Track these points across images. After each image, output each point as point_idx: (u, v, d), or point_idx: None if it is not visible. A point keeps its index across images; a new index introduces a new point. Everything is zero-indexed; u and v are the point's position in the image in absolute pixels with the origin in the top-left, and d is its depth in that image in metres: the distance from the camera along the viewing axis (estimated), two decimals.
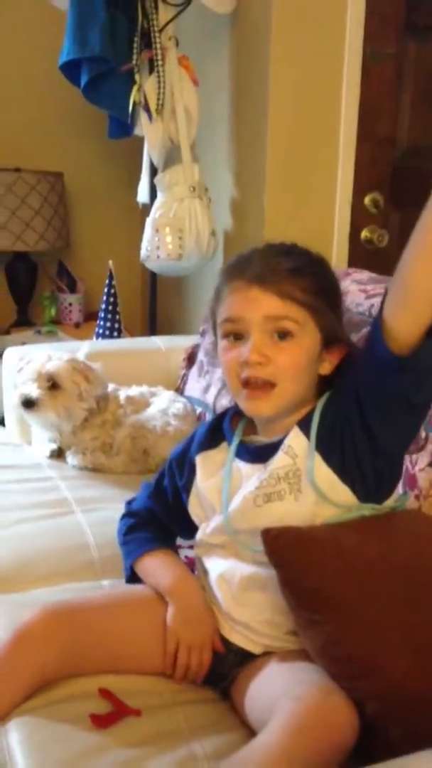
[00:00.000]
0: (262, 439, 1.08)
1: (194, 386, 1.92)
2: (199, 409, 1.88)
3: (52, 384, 1.75)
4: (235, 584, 1.05)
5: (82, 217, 3.00)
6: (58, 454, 1.84)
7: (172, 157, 2.36)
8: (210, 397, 1.84)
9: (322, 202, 2.34)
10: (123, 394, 1.88)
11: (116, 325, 2.22)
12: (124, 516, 1.25)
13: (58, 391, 1.75)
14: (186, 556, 1.23)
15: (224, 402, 1.32)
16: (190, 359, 2.00)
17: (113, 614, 1.09)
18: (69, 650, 1.03)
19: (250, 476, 1.05)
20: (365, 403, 0.98)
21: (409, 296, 0.92)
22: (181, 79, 2.26)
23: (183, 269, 2.36)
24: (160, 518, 1.20)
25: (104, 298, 2.32)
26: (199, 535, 1.12)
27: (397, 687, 0.86)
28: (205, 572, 1.11)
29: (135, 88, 2.25)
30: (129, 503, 1.27)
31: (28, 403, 1.71)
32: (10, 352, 2.01)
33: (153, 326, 2.59)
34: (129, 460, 1.78)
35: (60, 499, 1.58)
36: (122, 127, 2.39)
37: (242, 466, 1.08)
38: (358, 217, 2.34)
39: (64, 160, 2.89)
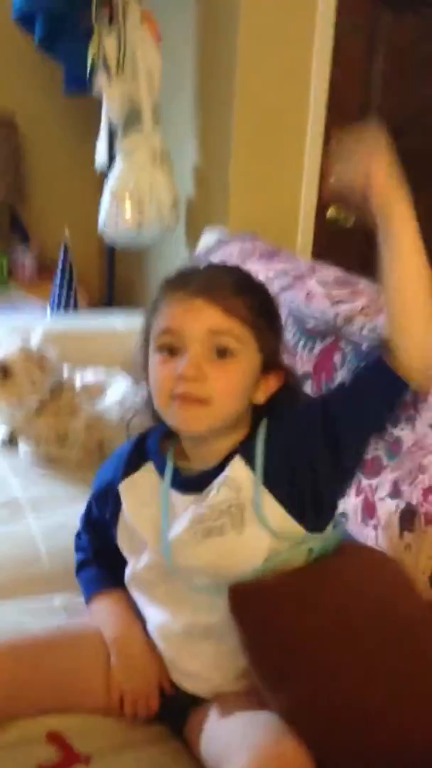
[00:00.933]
0: (194, 466, 1.03)
1: None
2: None
3: (4, 373, 1.68)
4: (175, 637, 1.02)
5: (37, 172, 2.86)
6: (11, 440, 1.78)
7: (132, 120, 2.24)
8: None
9: (289, 176, 2.27)
10: (78, 380, 1.82)
11: (72, 300, 2.14)
12: (76, 548, 1.21)
13: (10, 380, 1.68)
14: None
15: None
16: None
17: (59, 653, 1.05)
18: (15, 691, 1.00)
19: (184, 507, 1.01)
20: (344, 431, 0.96)
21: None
22: (144, 38, 2.13)
23: (143, 240, 2.27)
24: (104, 552, 1.15)
25: (59, 268, 2.22)
26: (128, 570, 1.07)
27: (389, 742, 0.85)
28: (143, 619, 1.07)
29: (92, 43, 2.11)
30: (78, 535, 1.22)
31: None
32: None
33: (111, 297, 2.50)
34: (84, 452, 1.73)
35: (10, 500, 1.53)
36: (79, 83, 2.25)
37: (174, 496, 1.02)
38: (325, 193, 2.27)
39: (20, 112, 2.73)
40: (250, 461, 0.98)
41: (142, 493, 1.05)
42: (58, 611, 1.24)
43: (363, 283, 1.55)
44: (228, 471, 0.98)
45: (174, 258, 2.44)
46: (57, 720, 1.02)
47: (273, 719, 0.89)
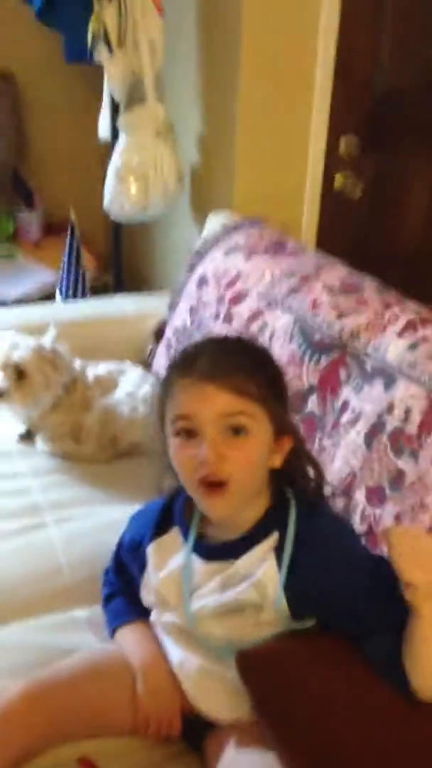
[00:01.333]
0: (218, 534, 1.10)
1: (163, 365, 1.90)
2: None
3: (19, 373, 1.72)
4: (193, 675, 1.11)
5: (39, 134, 2.80)
6: (27, 436, 1.84)
7: (135, 92, 2.19)
8: None
9: (296, 145, 2.23)
10: (91, 373, 1.86)
11: (80, 285, 2.15)
12: (104, 583, 1.29)
13: (25, 381, 1.73)
14: None
15: None
16: (158, 335, 1.97)
17: (88, 687, 1.13)
18: (49, 728, 1.09)
19: (208, 575, 1.09)
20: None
21: None
22: (145, 8, 2.05)
23: (148, 217, 2.26)
24: (130, 589, 1.23)
25: (66, 252, 2.22)
26: (153, 616, 1.16)
27: None
28: (166, 652, 1.16)
29: (93, 17, 2.04)
30: (106, 572, 1.30)
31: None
32: None
33: (119, 280, 2.50)
34: (98, 446, 1.79)
35: (30, 505, 1.59)
36: (80, 54, 2.18)
37: (197, 563, 1.10)
38: (332, 161, 2.24)
39: (21, 72, 2.66)
40: (278, 562, 1.05)
41: (168, 557, 1.13)
42: (82, 625, 1.32)
43: (368, 288, 1.56)
44: (260, 574, 1.05)
45: (180, 228, 2.43)
46: (87, 745, 1.12)
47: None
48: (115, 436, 1.79)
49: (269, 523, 1.07)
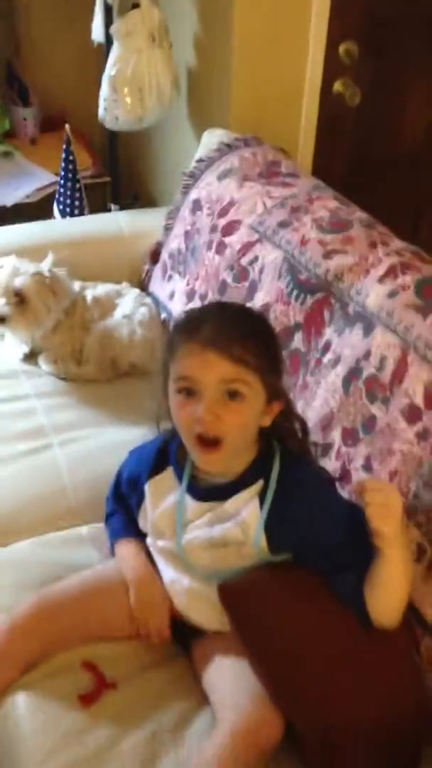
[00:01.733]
0: (209, 479, 1.23)
1: (158, 287, 1.97)
2: (163, 315, 1.95)
3: (20, 299, 1.80)
4: (182, 593, 1.26)
5: (36, 29, 2.71)
6: (31, 356, 1.94)
7: None
8: (175, 306, 1.91)
9: (294, 50, 2.18)
10: (90, 295, 1.94)
11: (77, 202, 2.17)
12: (106, 504, 1.44)
13: (26, 306, 1.81)
14: None
15: None
16: (154, 256, 2.02)
17: (91, 602, 1.30)
18: (56, 637, 1.26)
19: (199, 513, 1.22)
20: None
21: None
22: None
23: (144, 125, 2.25)
24: (129, 512, 1.38)
25: (62, 167, 2.22)
26: (149, 540, 1.32)
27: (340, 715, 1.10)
28: (158, 571, 1.31)
29: None
30: (107, 499, 1.44)
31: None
32: None
33: (115, 189, 2.50)
34: (99, 367, 1.89)
35: (36, 427, 1.71)
36: None
37: (189, 502, 1.24)
38: (331, 67, 2.20)
39: None
40: (261, 505, 1.18)
41: (163, 495, 1.27)
42: (86, 542, 1.48)
43: (356, 223, 1.60)
44: (245, 514, 1.18)
45: (178, 137, 2.41)
46: (90, 650, 1.28)
47: (255, 685, 1.15)
48: (115, 357, 1.89)
49: (255, 471, 1.20)
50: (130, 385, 1.87)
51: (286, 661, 1.13)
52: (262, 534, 1.19)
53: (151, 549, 1.33)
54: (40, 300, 1.81)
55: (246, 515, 1.19)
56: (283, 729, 1.12)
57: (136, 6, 2.10)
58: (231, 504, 1.21)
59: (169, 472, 1.28)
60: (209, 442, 1.14)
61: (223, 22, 2.12)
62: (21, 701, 1.23)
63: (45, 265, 1.84)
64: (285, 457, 1.21)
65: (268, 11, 2.08)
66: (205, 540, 1.22)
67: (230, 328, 1.13)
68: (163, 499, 1.27)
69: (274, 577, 1.19)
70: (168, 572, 1.29)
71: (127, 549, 1.35)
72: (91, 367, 1.89)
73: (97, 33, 2.25)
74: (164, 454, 1.29)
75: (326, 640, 1.13)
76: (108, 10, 2.16)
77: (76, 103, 2.70)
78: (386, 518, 1.06)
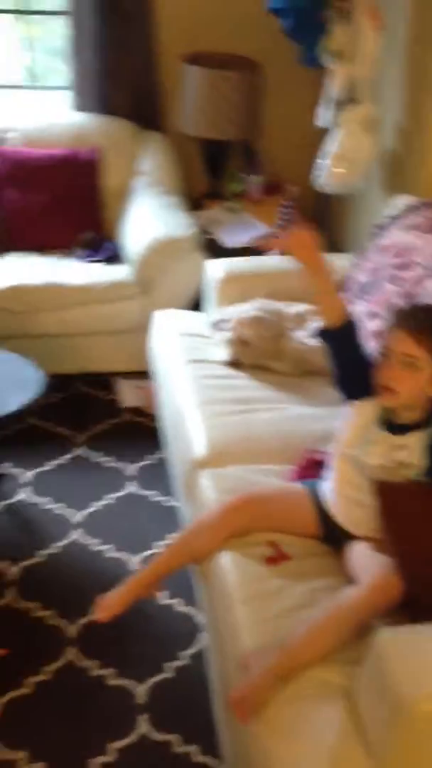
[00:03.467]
0: (394, 419, 1.74)
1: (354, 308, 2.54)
2: None
3: (245, 344, 2.46)
4: (338, 499, 1.79)
5: (271, 112, 3.47)
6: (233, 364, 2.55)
7: (351, 93, 2.78)
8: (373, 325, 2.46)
9: None
10: (293, 310, 2.55)
11: None
12: None
13: (248, 347, 2.47)
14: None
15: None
16: (340, 286, 2.60)
17: (281, 499, 1.87)
18: (253, 522, 1.83)
19: (380, 438, 1.74)
20: None
21: None
22: (367, 28, 2.63)
23: (348, 190, 2.89)
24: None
25: (281, 214, 2.89)
26: (337, 435, 1.83)
27: None
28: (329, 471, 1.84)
29: (327, 37, 2.65)
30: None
31: (233, 365, 2.49)
32: (213, 266, 2.71)
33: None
34: (294, 365, 2.48)
35: (242, 397, 2.32)
36: (313, 62, 2.81)
37: (377, 429, 1.76)
38: None
39: (266, 65, 3.33)
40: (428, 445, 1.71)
41: (362, 415, 1.79)
42: (276, 473, 2.04)
43: None
44: (414, 446, 1.71)
45: (370, 202, 3.02)
46: (274, 535, 1.84)
47: (389, 562, 1.63)
48: (305, 358, 2.48)
49: (423, 422, 1.73)
50: (312, 380, 2.45)
51: (422, 556, 1.62)
52: (424, 462, 1.70)
53: (333, 441, 1.84)
54: (257, 338, 2.46)
55: (414, 447, 1.71)
56: (401, 596, 1.61)
57: (353, 99, 2.76)
58: (406, 438, 1.72)
59: (368, 403, 1.78)
60: (388, 389, 1.69)
61: (423, 113, 2.72)
62: (227, 558, 1.80)
63: (251, 310, 2.50)
64: None
65: None
66: (381, 455, 1.72)
67: (425, 321, 1.69)
68: (361, 417, 1.78)
69: (425, 491, 1.70)
70: (329, 477, 1.82)
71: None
72: (289, 364, 2.48)
73: (323, 119, 2.92)
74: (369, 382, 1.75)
75: None
76: (332, 102, 2.83)
77: (295, 173, 3.39)
78: (302, 248, 1.68)
